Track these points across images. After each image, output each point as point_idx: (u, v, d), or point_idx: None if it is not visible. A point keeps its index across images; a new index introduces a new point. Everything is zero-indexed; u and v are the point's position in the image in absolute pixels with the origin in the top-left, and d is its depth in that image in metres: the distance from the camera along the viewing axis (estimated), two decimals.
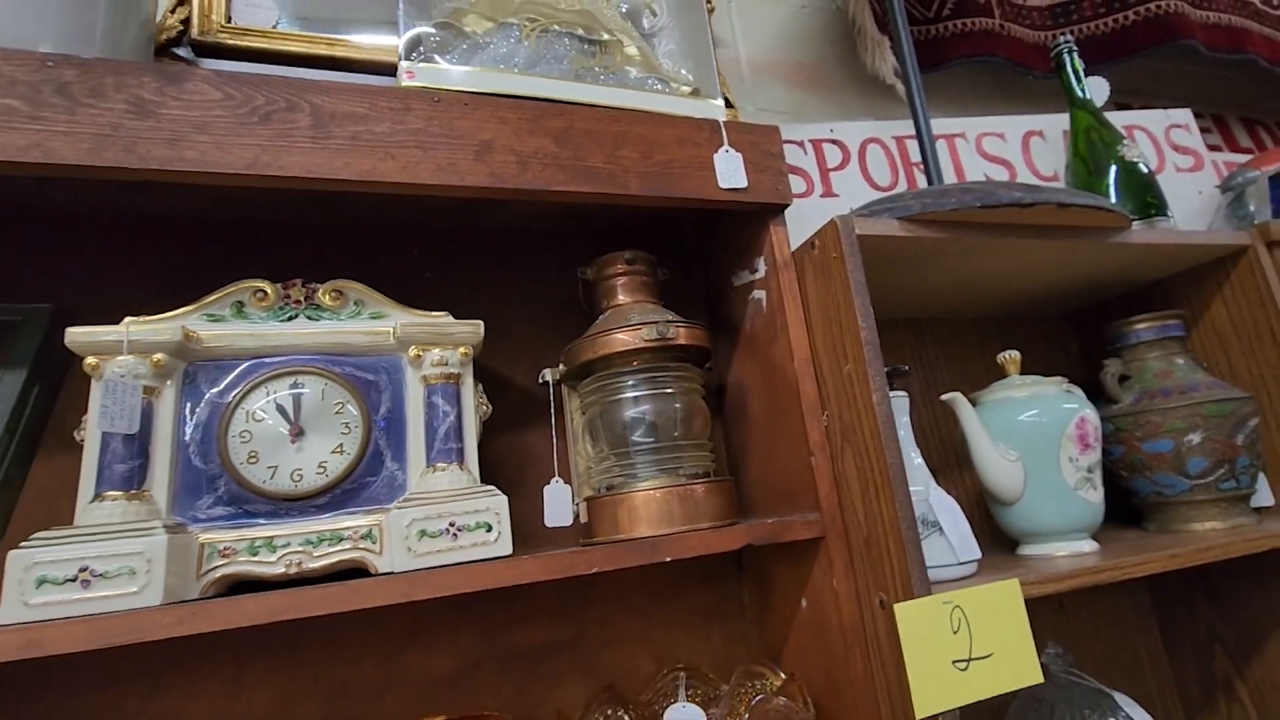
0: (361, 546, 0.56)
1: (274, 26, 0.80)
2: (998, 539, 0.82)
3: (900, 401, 0.70)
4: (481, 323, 0.64)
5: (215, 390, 0.57)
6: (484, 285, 0.79)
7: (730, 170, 0.69)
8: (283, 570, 0.54)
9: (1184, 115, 1.18)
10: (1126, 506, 0.86)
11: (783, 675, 0.65)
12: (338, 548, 0.56)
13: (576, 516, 0.72)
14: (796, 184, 0.97)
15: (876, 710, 0.60)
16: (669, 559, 0.58)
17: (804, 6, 1.21)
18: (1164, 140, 1.16)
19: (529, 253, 0.82)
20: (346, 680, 0.65)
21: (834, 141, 1.04)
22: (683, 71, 0.81)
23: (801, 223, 0.74)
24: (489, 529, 0.57)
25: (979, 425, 0.74)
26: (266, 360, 0.58)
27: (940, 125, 1.06)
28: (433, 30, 0.68)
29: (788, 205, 0.72)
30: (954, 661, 0.56)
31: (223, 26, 0.77)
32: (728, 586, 0.80)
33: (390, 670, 0.67)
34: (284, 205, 0.68)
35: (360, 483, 0.58)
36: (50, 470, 0.61)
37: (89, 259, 0.67)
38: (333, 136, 0.56)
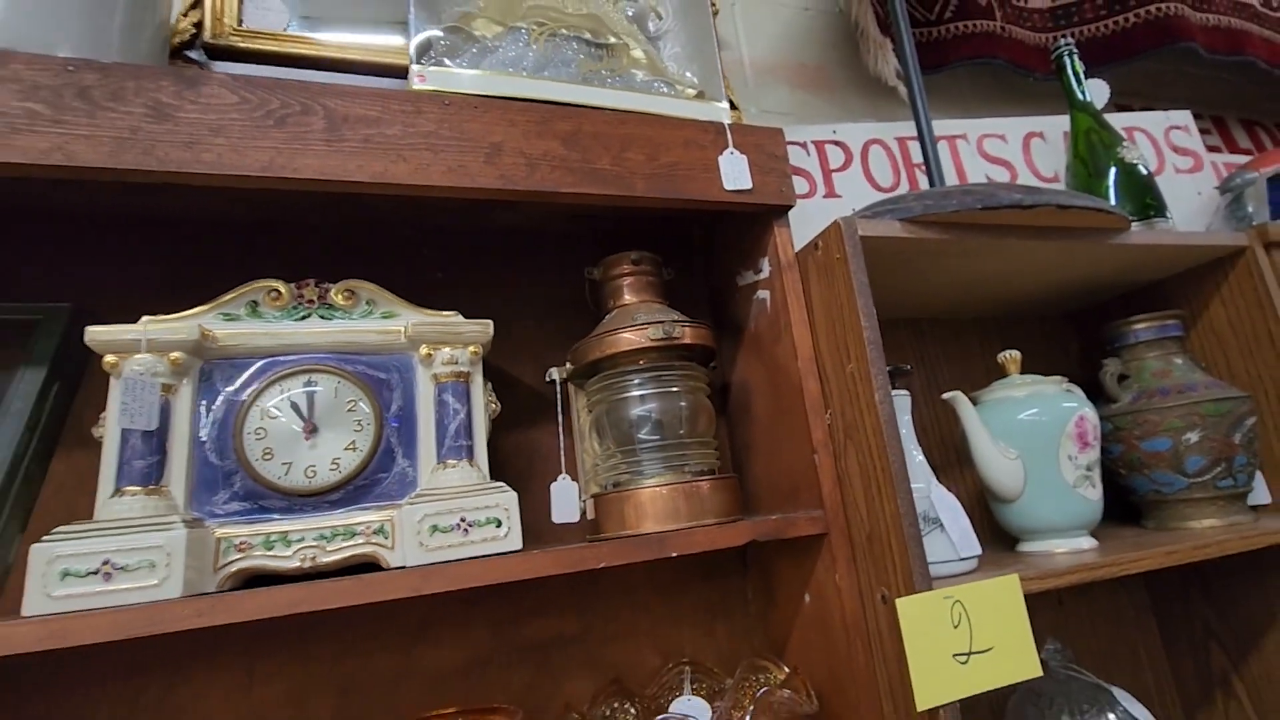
0: (374, 541, 0.57)
1: (284, 29, 0.81)
2: (998, 536, 0.83)
3: (902, 400, 0.72)
4: (491, 322, 0.65)
5: (231, 388, 0.58)
6: (492, 285, 0.80)
7: (735, 172, 0.70)
8: (298, 564, 0.55)
9: (1183, 117, 1.19)
10: (1125, 504, 0.87)
11: (786, 669, 0.66)
12: (351, 542, 0.57)
13: (583, 513, 0.73)
14: (799, 184, 0.98)
15: (878, 703, 0.61)
16: (675, 554, 0.59)
17: (807, 9, 1.22)
18: (1164, 141, 1.17)
19: (536, 253, 0.83)
20: (358, 673, 0.66)
21: (836, 142, 1.05)
22: (688, 74, 0.82)
23: (804, 223, 0.75)
24: (499, 524, 0.59)
25: (979, 424, 0.75)
26: (281, 359, 0.59)
27: (942, 126, 1.07)
28: (443, 34, 0.69)
29: (791, 206, 0.73)
30: (954, 655, 0.57)
31: (234, 29, 0.78)
32: (732, 583, 0.81)
33: (401, 663, 0.68)
34: (296, 206, 0.69)
35: (372, 479, 0.60)
36: (67, 466, 0.62)
37: (105, 259, 0.68)
38: (346, 139, 0.57)
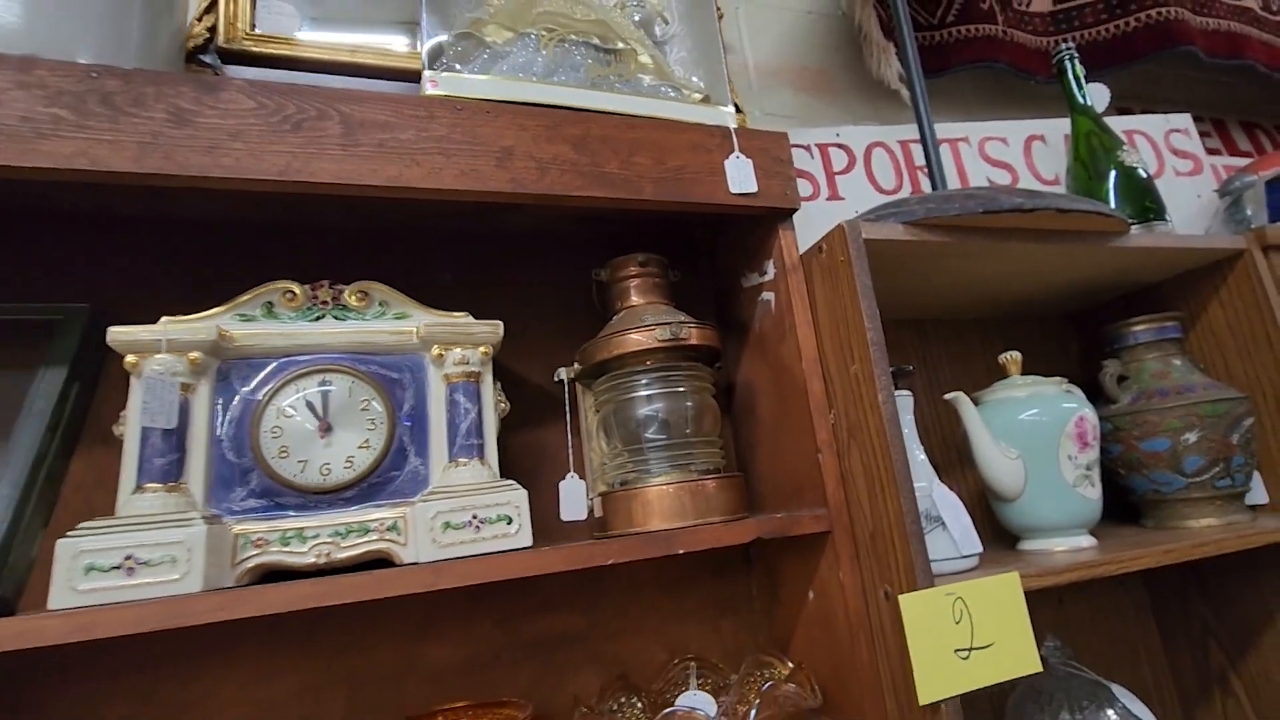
0: (388, 538, 0.58)
1: (296, 33, 0.82)
2: (999, 535, 0.84)
3: (904, 400, 0.73)
4: (501, 323, 0.66)
5: (247, 388, 0.59)
6: (501, 286, 0.81)
7: (741, 176, 0.71)
8: (313, 560, 0.56)
9: (1183, 120, 1.20)
10: (1125, 504, 0.88)
11: (791, 664, 0.68)
12: (365, 539, 0.58)
13: (591, 511, 0.74)
14: (803, 187, 1.00)
15: (881, 697, 0.62)
16: (682, 551, 0.60)
17: (810, 12, 1.23)
18: (1163, 144, 1.18)
19: (544, 255, 0.84)
20: (368, 667, 0.68)
21: (840, 145, 1.06)
22: (694, 79, 0.83)
23: (807, 225, 0.76)
24: (510, 521, 0.60)
25: (981, 424, 0.76)
26: (296, 359, 0.61)
27: (944, 129, 1.08)
28: (454, 40, 0.70)
29: (796, 210, 0.74)
30: (956, 651, 0.58)
31: (247, 34, 0.79)
32: (736, 580, 0.83)
33: (410, 658, 0.69)
34: (311, 208, 0.70)
35: (385, 477, 0.61)
36: (86, 464, 0.63)
37: (122, 260, 0.69)
38: (360, 144, 0.59)
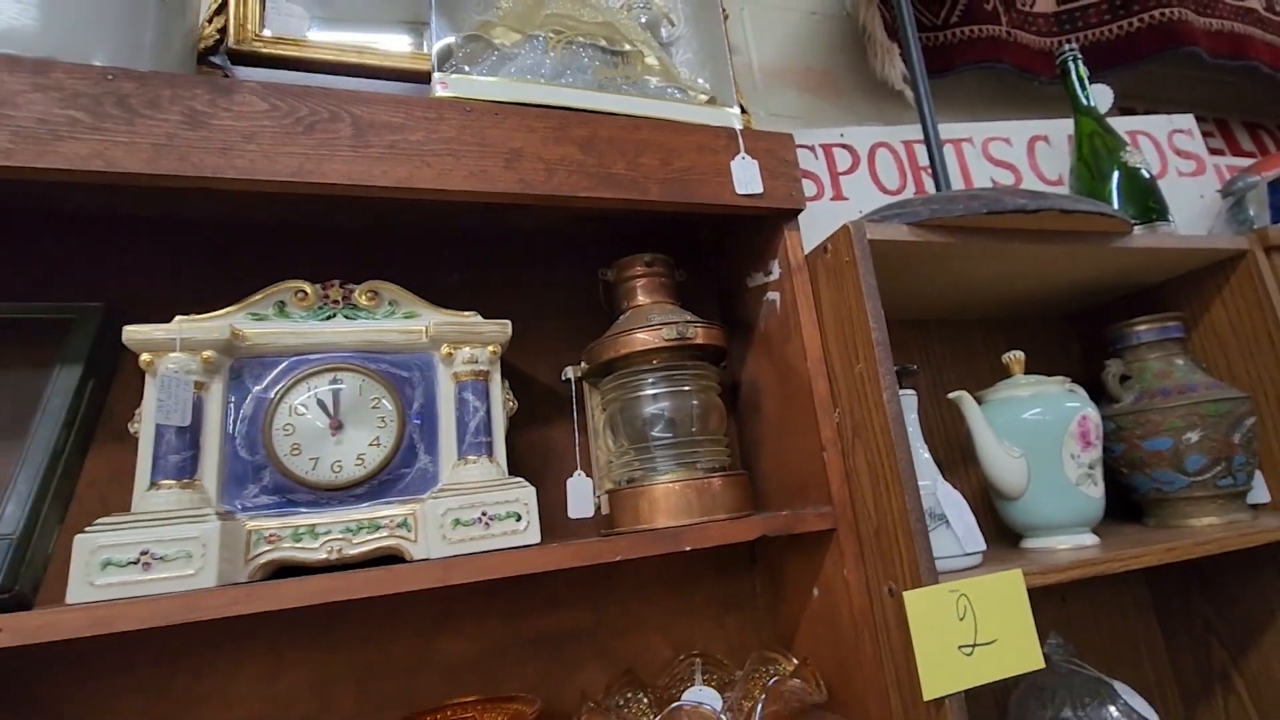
0: (398, 534, 0.59)
1: (305, 35, 0.83)
2: (1002, 533, 0.85)
3: (909, 399, 0.73)
4: (509, 322, 0.67)
5: (260, 386, 0.60)
6: (509, 286, 0.82)
7: (746, 176, 0.71)
8: (325, 556, 0.57)
9: (1186, 120, 1.21)
10: (1127, 503, 0.89)
11: (795, 660, 0.68)
12: (375, 535, 0.59)
13: (598, 508, 0.75)
14: (807, 187, 1.00)
15: (885, 693, 0.63)
16: (689, 548, 0.61)
17: (814, 13, 1.23)
18: (1167, 145, 1.18)
19: (552, 255, 0.85)
20: (378, 662, 0.68)
21: (844, 146, 1.06)
22: (700, 80, 0.83)
23: (812, 225, 0.76)
24: (518, 518, 0.61)
25: (984, 423, 0.77)
26: (307, 357, 0.61)
27: (948, 130, 1.09)
28: (463, 42, 0.71)
29: (801, 210, 0.74)
30: (960, 647, 0.59)
31: (257, 36, 0.80)
32: (741, 578, 0.83)
33: (420, 654, 0.70)
34: (320, 209, 0.70)
35: (396, 474, 0.62)
36: (101, 460, 0.64)
37: (136, 260, 0.70)
38: (371, 145, 0.59)
